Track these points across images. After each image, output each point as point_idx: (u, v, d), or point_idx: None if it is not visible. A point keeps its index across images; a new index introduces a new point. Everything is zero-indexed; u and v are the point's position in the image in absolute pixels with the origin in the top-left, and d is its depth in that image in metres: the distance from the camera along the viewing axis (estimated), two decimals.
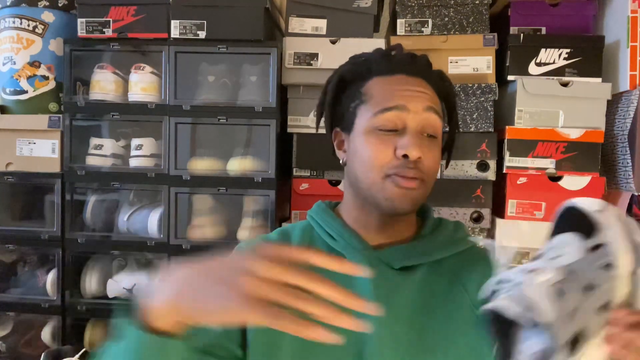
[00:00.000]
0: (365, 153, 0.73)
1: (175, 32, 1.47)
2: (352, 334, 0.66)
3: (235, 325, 0.51)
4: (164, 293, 0.52)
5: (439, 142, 0.75)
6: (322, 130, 0.84)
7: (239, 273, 0.47)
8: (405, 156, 0.70)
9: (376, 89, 0.75)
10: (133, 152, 1.54)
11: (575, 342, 0.46)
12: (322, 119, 0.83)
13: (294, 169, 1.53)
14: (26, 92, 1.57)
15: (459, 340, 0.68)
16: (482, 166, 1.48)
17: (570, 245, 0.52)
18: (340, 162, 0.80)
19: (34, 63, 1.56)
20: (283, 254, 0.48)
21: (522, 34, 1.51)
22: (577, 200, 0.54)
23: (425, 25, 1.54)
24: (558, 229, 0.55)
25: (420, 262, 0.74)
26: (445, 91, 0.79)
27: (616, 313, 0.47)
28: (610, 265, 0.49)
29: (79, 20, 1.51)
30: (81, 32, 1.51)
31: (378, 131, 0.72)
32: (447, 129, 0.82)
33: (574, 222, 0.53)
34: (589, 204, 0.53)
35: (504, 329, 0.50)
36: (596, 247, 0.51)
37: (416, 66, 0.76)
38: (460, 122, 1.47)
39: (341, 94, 0.79)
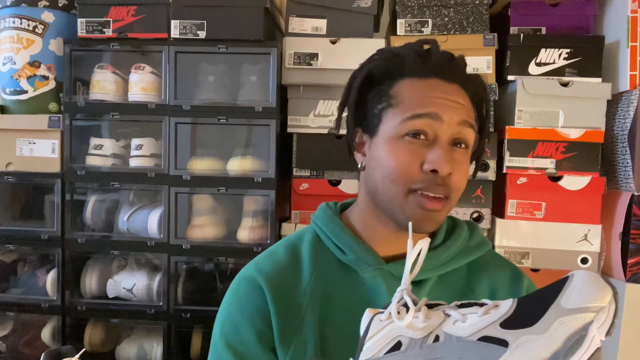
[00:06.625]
0: (389, 163, 0.66)
1: (175, 32, 1.47)
2: None
3: None
4: None
5: (469, 154, 0.69)
6: (344, 131, 0.76)
7: None
8: (434, 171, 0.64)
9: (407, 92, 0.67)
10: (133, 152, 1.54)
11: None
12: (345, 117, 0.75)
13: (294, 169, 1.53)
14: (26, 92, 1.57)
15: None
16: (482, 166, 1.48)
17: None
18: (359, 165, 0.73)
19: (34, 63, 1.56)
20: None
21: (522, 34, 1.51)
22: None
23: (425, 25, 1.54)
24: None
25: (433, 275, 0.71)
26: (480, 98, 0.72)
27: None
28: None
29: (79, 20, 1.51)
30: (81, 32, 1.51)
31: (406, 139, 0.65)
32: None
33: None
34: None
35: None
36: None
37: (453, 71, 0.69)
38: None
39: (367, 93, 0.71)
